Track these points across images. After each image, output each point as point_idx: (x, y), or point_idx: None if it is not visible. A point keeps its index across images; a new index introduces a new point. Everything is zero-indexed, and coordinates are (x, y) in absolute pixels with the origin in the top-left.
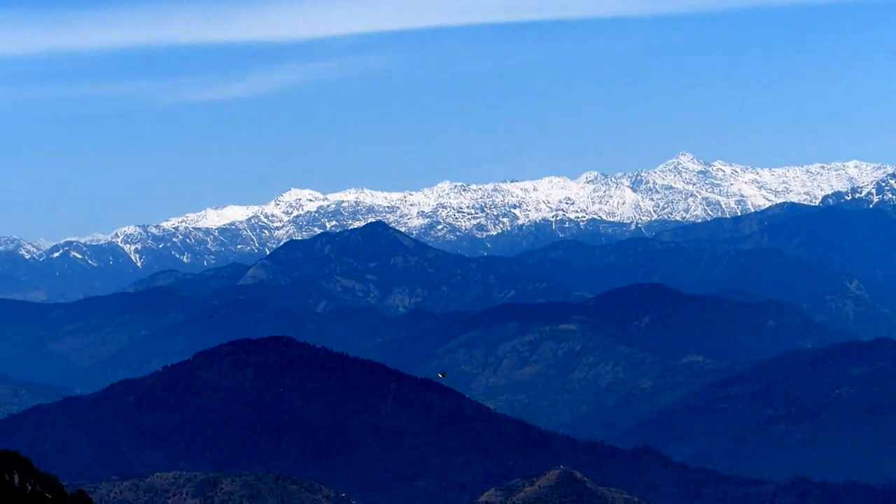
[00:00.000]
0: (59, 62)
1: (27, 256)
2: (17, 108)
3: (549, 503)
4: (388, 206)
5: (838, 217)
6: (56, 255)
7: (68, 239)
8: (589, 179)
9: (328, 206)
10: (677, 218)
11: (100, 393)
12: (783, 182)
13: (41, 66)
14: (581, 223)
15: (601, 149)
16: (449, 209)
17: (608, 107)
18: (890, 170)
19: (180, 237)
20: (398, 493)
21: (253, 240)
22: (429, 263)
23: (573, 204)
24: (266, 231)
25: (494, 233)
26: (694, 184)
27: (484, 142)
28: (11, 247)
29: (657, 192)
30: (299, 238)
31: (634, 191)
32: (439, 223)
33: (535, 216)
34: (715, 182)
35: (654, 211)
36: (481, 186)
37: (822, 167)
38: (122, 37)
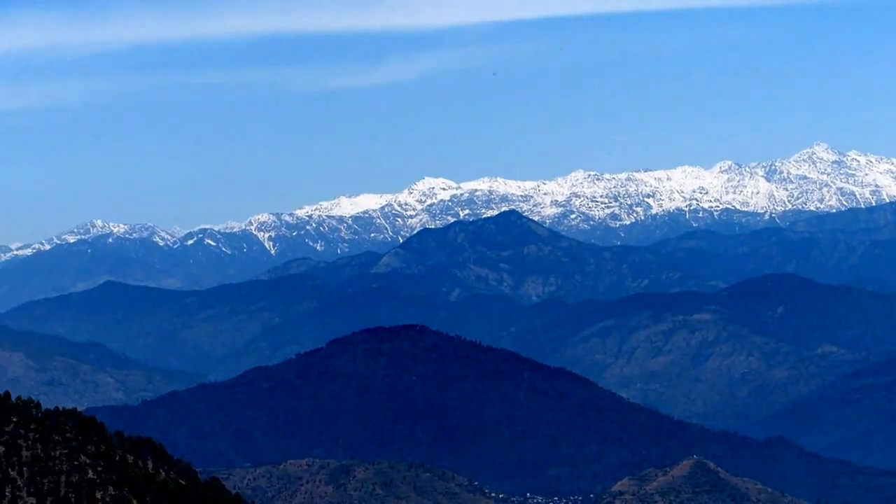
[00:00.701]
0: (194, 49)
1: (161, 244)
2: (151, 96)
3: (682, 493)
4: (521, 195)
5: None
6: (190, 242)
7: (202, 226)
8: (723, 169)
9: (462, 194)
10: (811, 208)
11: (233, 380)
12: None
13: (176, 54)
14: (715, 213)
15: (735, 138)
16: (582, 198)
17: (743, 96)
18: None
19: (314, 225)
20: (531, 482)
21: (386, 228)
22: (562, 252)
23: (707, 193)
24: (399, 219)
25: (628, 222)
26: (828, 174)
27: (618, 131)
28: (146, 234)
29: (791, 181)
30: (433, 227)
31: (769, 180)
32: (573, 212)
33: (668, 205)
34: (849, 172)
35: (789, 201)
36: (615, 175)
37: None
38: (258, 24)
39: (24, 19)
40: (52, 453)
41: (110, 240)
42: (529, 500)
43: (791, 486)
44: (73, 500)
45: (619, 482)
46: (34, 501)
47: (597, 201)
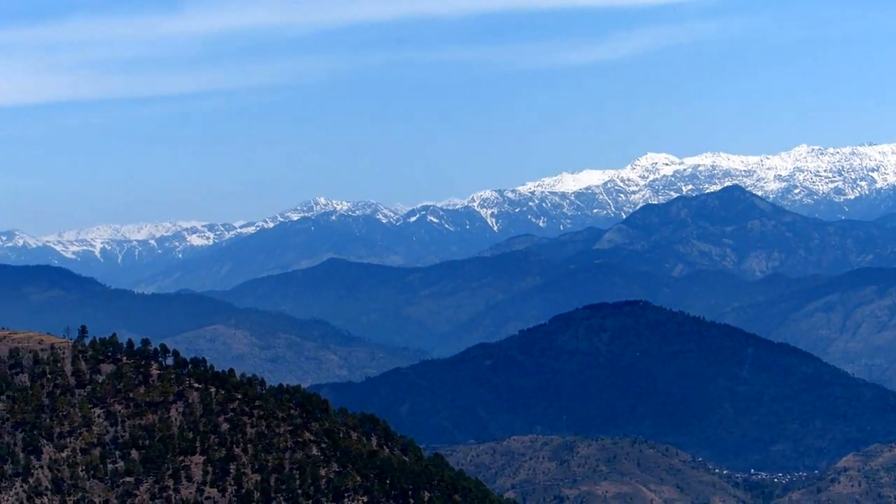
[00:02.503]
0: (417, 28)
1: (384, 221)
2: (374, 74)
3: None
4: (744, 170)
5: None
6: (413, 219)
7: (425, 203)
8: None
9: (684, 170)
10: None
11: (456, 356)
12: None
13: (399, 33)
14: None
15: None
16: (806, 173)
17: None
18: None
19: (536, 201)
20: (754, 458)
21: (609, 204)
22: (786, 227)
23: None
24: (622, 195)
25: (852, 196)
26: None
27: (842, 104)
28: (369, 211)
29: None
30: (655, 202)
31: None
32: (796, 187)
33: (893, 179)
34: None
35: None
36: (839, 150)
37: None
38: (480, 2)
39: None
40: (277, 430)
41: (333, 217)
42: (753, 476)
43: None
44: (296, 477)
45: (843, 458)
46: (258, 479)
47: (820, 175)
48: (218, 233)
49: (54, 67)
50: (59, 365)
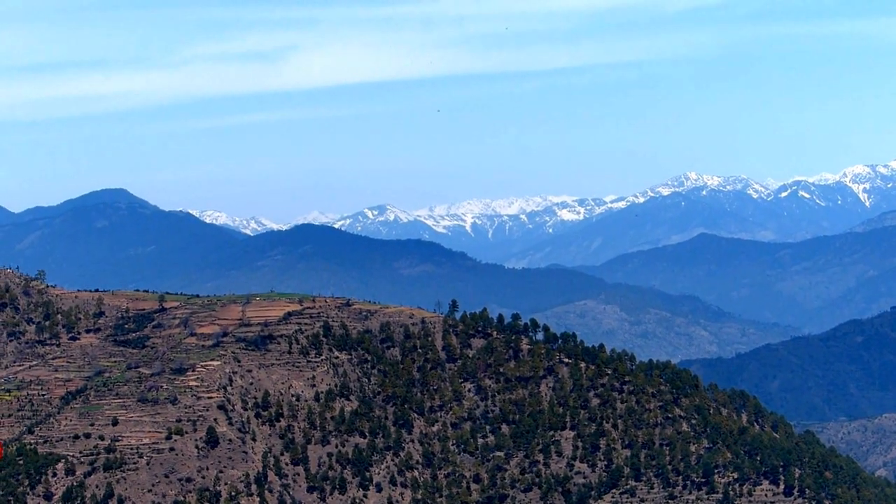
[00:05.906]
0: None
1: (755, 196)
2: (743, 48)
3: None
4: None
5: None
6: (784, 194)
7: (796, 178)
8: None
9: None
10: None
11: (827, 333)
12: None
13: (771, 5)
14: None
15: None
16: None
17: None
18: None
19: None
20: None
21: None
22: None
23: None
24: None
25: None
26: None
27: None
28: (739, 186)
29: None
30: None
31: None
32: None
33: None
34: None
35: None
36: None
37: None
38: None
39: None
40: (647, 406)
41: (704, 192)
42: None
43: None
44: (666, 452)
45: None
46: (628, 454)
47: None
48: (588, 207)
49: (433, 43)
50: (429, 339)
